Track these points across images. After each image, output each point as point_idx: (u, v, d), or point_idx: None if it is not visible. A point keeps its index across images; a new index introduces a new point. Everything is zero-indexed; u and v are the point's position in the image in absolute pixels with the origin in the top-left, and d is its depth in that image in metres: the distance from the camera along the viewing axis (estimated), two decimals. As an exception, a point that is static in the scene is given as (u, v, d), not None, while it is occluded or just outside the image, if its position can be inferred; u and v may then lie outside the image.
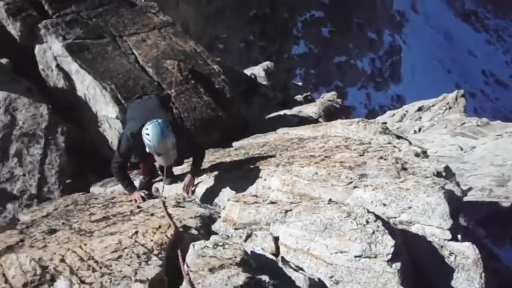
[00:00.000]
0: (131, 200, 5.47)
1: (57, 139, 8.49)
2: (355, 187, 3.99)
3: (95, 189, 6.92)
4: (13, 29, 9.65)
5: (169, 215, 4.41)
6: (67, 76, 8.98)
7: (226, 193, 5.08)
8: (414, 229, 3.69)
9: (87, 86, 8.64)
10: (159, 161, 5.18)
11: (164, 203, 4.92)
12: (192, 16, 46.49)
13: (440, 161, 4.59)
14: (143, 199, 5.39)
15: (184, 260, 3.46)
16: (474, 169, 10.60)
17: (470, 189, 8.87)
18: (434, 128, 19.96)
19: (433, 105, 26.09)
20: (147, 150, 5.11)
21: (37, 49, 9.40)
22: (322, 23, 59.38)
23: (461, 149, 13.34)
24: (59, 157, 8.36)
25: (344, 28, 60.19)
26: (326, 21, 59.51)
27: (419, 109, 26.49)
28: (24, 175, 8.14)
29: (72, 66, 8.82)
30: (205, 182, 5.42)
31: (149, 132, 4.94)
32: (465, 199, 8.29)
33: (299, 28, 57.66)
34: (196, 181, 5.61)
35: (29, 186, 8.08)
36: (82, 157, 9.05)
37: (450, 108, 24.89)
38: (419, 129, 20.99)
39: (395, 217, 3.75)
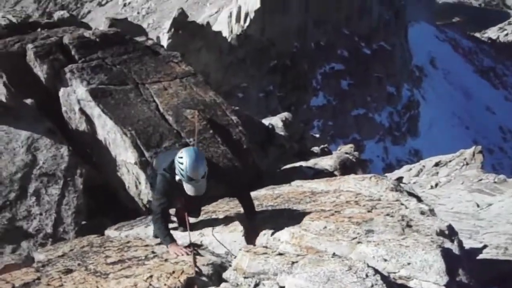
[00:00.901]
0: (146, 252, 5.28)
1: (76, 180, 8.66)
2: (358, 242, 4.16)
3: (110, 232, 7.01)
4: (40, 71, 10.00)
5: (195, 263, 4.50)
6: (89, 120, 9.23)
7: (239, 243, 5.19)
8: (412, 284, 3.85)
9: (108, 130, 8.87)
10: (188, 191, 5.05)
11: (195, 252, 4.97)
12: (213, 64, 47.42)
13: (444, 220, 4.72)
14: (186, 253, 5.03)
15: None
16: (490, 226, 10.55)
17: (485, 246, 8.81)
18: (451, 184, 19.90)
19: (450, 161, 26.04)
20: (177, 178, 5.08)
21: (62, 92, 9.68)
22: (341, 75, 60.15)
23: (478, 205, 13.28)
24: (76, 199, 8.51)
25: (363, 81, 60.87)
26: (345, 74, 60.28)
27: (436, 164, 26.44)
28: (41, 214, 8.28)
29: (94, 110, 9.08)
30: (219, 231, 5.52)
31: (183, 156, 4.95)
32: (480, 256, 8.26)
33: (319, 80, 58.43)
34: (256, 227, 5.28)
35: (45, 225, 8.21)
36: (99, 200, 9.22)
37: (467, 164, 24.81)
38: (436, 184, 20.94)
39: (395, 272, 3.92)
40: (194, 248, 5.07)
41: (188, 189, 5.04)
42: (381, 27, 65.65)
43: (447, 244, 4.08)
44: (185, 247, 5.07)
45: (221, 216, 6.02)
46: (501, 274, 7.55)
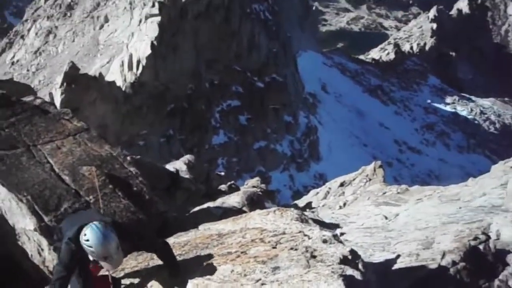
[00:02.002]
0: None
1: (-28, 257, 8.12)
2: (262, 284, 4.11)
3: (15, 307, 6.62)
4: None
5: None
6: (-19, 190, 8.72)
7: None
8: (320, 319, 3.79)
9: (2, 199, 8.41)
10: (106, 267, 4.82)
11: None
12: (109, 115, 46.61)
13: (346, 245, 4.82)
14: None
15: None
16: (400, 235, 10.90)
17: (398, 256, 9.08)
18: (358, 201, 20.54)
19: (354, 179, 26.91)
20: (91, 258, 4.79)
21: None
22: (238, 111, 60.95)
23: (386, 217, 13.73)
24: (-25, 277, 7.97)
25: (261, 114, 62.03)
26: (242, 109, 61.15)
27: (341, 184, 27.22)
28: None
29: (-15, 179, 8.61)
30: (128, 290, 5.35)
31: (88, 237, 4.64)
32: (395, 266, 8.51)
33: (217, 118, 58.88)
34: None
35: None
36: (2, 273, 8.67)
37: (370, 179, 25.74)
38: (344, 204, 21.51)
39: (302, 310, 3.84)
40: None
41: (106, 266, 4.78)
42: (271, 60, 67.40)
43: (349, 271, 4.10)
44: None
45: (129, 274, 5.84)
46: (417, 280, 7.85)
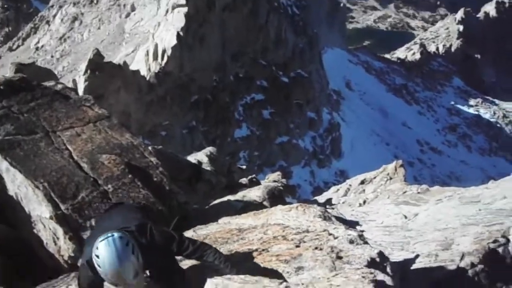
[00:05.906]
0: None
1: (-13, 242, 8.02)
2: (287, 287, 3.82)
3: (30, 295, 6.48)
4: None
5: None
6: (-3, 175, 8.60)
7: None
8: (349, 326, 3.47)
9: (18, 185, 8.25)
10: None
11: None
12: (133, 104, 46.73)
13: (373, 247, 4.57)
14: None
15: None
16: (419, 235, 10.74)
17: (417, 256, 8.93)
18: (378, 199, 20.33)
19: (374, 177, 26.68)
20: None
21: (-36, 148, 8.99)
22: (262, 105, 60.79)
23: (405, 217, 13.54)
24: (-11, 262, 7.86)
25: (284, 109, 61.80)
26: (266, 104, 60.97)
27: (362, 182, 27.00)
28: (-49, 284, 7.59)
29: (2, 164, 8.42)
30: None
31: (99, 253, 3.74)
32: (413, 266, 8.36)
33: (240, 111, 58.78)
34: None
35: (-43, 297, 7.53)
36: (16, 261, 8.56)
37: (391, 178, 25.51)
38: (364, 202, 21.32)
39: (328, 317, 3.53)
40: None
41: None
42: (297, 55, 67.10)
43: (380, 276, 3.81)
44: None
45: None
46: (435, 281, 7.66)
